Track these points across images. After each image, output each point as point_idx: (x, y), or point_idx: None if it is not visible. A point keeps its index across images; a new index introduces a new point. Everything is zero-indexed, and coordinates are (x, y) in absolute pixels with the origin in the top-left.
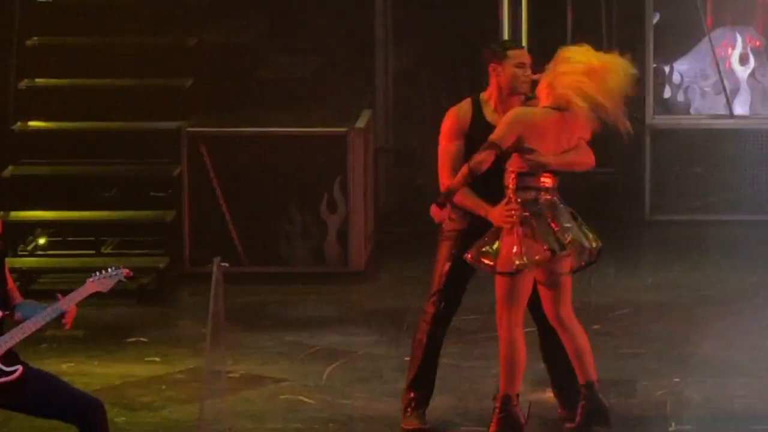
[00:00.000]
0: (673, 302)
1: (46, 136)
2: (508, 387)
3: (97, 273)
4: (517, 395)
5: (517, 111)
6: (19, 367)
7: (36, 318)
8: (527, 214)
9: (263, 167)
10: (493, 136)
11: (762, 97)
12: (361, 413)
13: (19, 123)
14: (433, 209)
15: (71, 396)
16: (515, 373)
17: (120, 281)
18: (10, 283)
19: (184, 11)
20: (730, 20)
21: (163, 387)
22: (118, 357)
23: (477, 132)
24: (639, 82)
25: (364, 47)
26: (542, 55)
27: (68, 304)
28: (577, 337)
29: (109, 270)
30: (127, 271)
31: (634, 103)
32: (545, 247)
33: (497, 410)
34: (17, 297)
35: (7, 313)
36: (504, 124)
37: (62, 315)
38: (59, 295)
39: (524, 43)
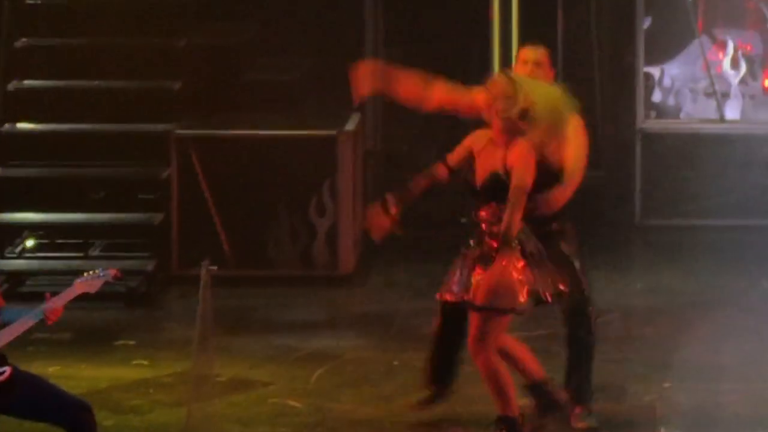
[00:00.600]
0: (662, 307)
1: (34, 138)
2: (508, 409)
3: (85, 274)
4: (522, 415)
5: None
6: (8, 369)
7: (24, 319)
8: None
9: (252, 170)
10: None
11: (753, 102)
12: (349, 417)
13: (7, 124)
14: None
15: (60, 398)
16: (509, 394)
17: (108, 282)
18: None
19: (173, 13)
20: (721, 24)
21: (151, 390)
22: (106, 360)
23: None
24: (630, 85)
25: (353, 50)
26: None
27: (56, 303)
28: (489, 373)
29: (98, 271)
30: (115, 271)
31: (625, 106)
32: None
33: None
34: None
35: None
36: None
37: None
38: (48, 295)
39: (514, 48)
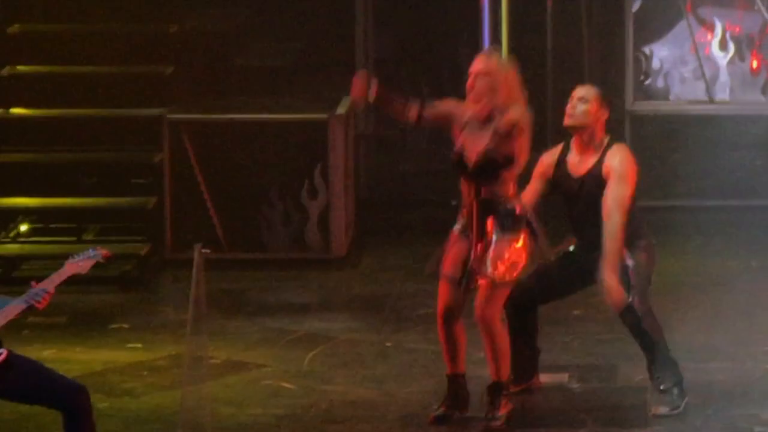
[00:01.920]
0: (653, 287)
1: (27, 124)
2: (500, 375)
3: (76, 255)
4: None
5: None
6: (4, 352)
7: (14, 304)
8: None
9: (244, 154)
10: None
11: (741, 83)
12: (342, 399)
13: (0, 110)
14: None
15: (55, 382)
16: (505, 360)
17: (99, 262)
18: None
19: None
20: (709, 5)
21: (145, 373)
22: (100, 343)
23: None
24: (619, 67)
25: (344, 34)
26: (522, 39)
27: (48, 285)
28: (497, 338)
29: (89, 251)
30: (105, 251)
31: (614, 88)
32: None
33: (507, 396)
34: None
35: None
36: None
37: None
38: (33, 283)
39: (504, 30)
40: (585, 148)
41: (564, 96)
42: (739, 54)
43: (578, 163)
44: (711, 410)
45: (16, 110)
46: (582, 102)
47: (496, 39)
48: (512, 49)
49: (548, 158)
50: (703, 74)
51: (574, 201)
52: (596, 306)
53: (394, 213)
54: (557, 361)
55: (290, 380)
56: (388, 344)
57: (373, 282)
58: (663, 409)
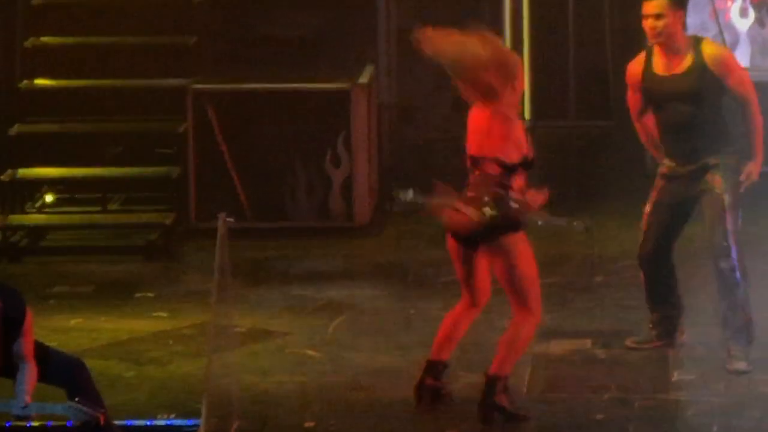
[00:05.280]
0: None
1: (52, 94)
2: (504, 370)
3: (78, 403)
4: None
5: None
6: None
7: (5, 402)
8: None
9: (268, 123)
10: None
11: (761, 50)
12: (366, 366)
13: (25, 81)
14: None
15: (56, 360)
16: (516, 358)
17: (89, 421)
18: None
19: None
20: None
21: (171, 342)
22: (126, 312)
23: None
24: (640, 34)
25: (366, 3)
26: (543, 6)
27: (41, 410)
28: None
29: (88, 409)
30: (102, 416)
31: (635, 56)
32: None
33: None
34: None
35: None
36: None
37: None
38: (27, 398)
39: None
40: (672, 52)
41: (586, 59)
42: (759, 21)
43: (668, 64)
44: (732, 375)
45: (41, 81)
46: (657, 18)
47: (517, 5)
48: (535, 18)
49: (634, 67)
50: (724, 41)
51: (666, 104)
52: (618, 272)
53: (416, 181)
54: (580, 327)
55: (315, 348)
56: (412, 312)
57: (396, 250)
58: (741, 365)
